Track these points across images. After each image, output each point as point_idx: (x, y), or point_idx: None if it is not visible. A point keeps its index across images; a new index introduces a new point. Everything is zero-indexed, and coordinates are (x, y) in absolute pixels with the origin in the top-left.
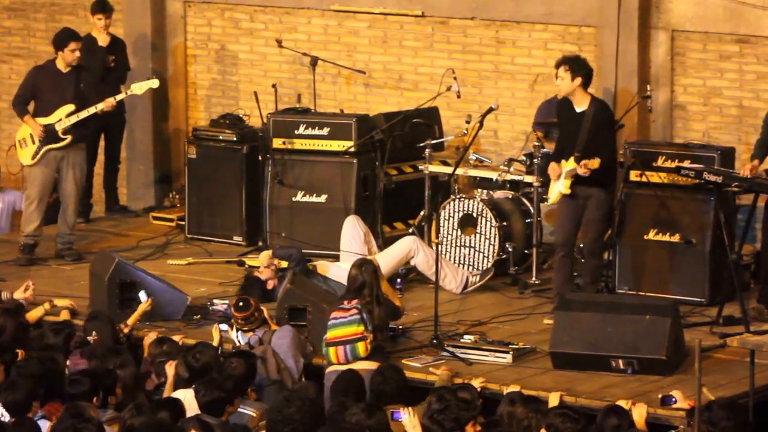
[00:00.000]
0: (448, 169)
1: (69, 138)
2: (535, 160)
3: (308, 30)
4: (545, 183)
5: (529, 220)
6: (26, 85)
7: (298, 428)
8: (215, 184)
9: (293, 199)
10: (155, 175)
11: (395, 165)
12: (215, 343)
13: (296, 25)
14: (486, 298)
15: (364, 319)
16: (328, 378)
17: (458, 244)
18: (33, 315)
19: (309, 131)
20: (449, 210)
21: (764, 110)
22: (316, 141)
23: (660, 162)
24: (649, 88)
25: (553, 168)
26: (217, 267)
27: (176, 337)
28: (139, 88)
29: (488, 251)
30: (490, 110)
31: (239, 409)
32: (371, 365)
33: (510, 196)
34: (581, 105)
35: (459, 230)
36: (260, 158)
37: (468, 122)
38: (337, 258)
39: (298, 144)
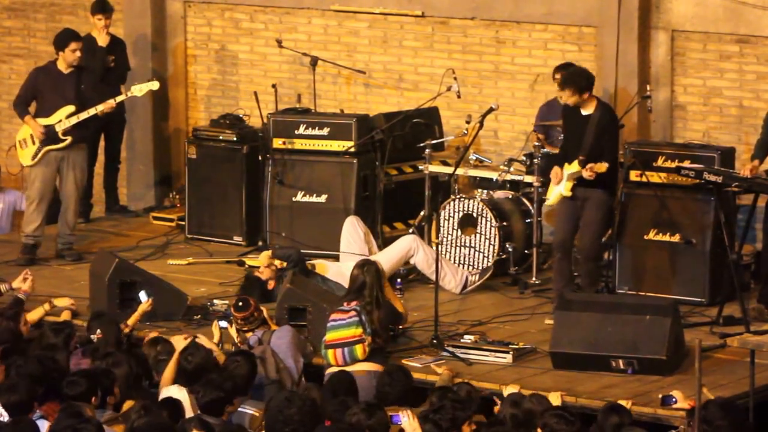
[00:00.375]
0: (449, 169)
1: (69, 139)
2: (535, 160)
3: (308, 30)
4: (545, 183)
5: (529, 220)
6: (27, 86)
7: (299, 429)
8: (215, 184)
9: (293, 199)
10: (155, 175)
11: (395, 165)
12: (215, 340)
13: (296, 25)
14: (486, 298)
15: (362, 321)
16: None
17: (458, 244)
18: (33, 315)
19: (309, 131)
20: (449, 210)
21: (764, 110)
22: (316, 141)
23: (660, 162)
24: (649, 88)
25: (555, 173)
26: (217, 267)
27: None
28: (139, 89)
29: (488, 251)
30: (491, 110)
31: (240, 409)
32: (370, 367)
33: (510, 196)
34: (587, 108)
35: (459, 230)
36: (260, 158)
37: (468, 122)
38: (336, 258)
39: (298, 144)
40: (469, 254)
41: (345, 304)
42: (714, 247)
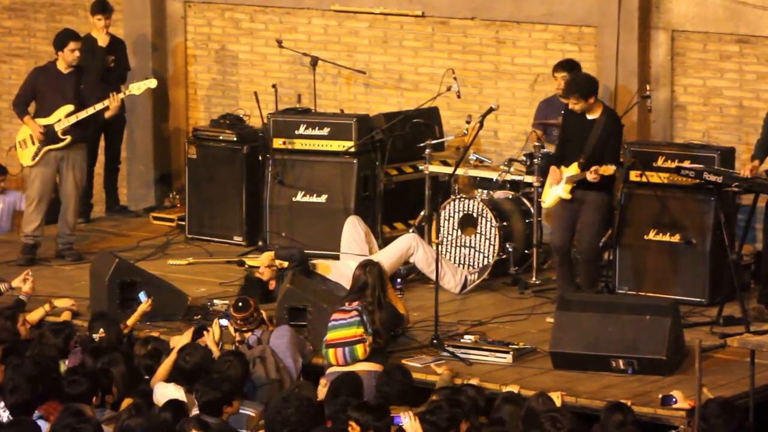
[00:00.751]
0: (449, 169)
1: (68, 138)
2: (535, 161)
3: (308, 30)
4: (545, 183)
5: (529, 220)
6: (27, 86)
7: (297, 428)
8: (215, 184)
9: (293, 199)
10: (155, 175)
11: (395, 165)
12: (216, 338)
13: (296, 25)
14: (486, 298)
15: (363, 321)
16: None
17: (458, 245)
18: (33, 316)
19: (309, 131)
20: (449, 210)
21: (764, 110)
22: (317, 141)
23: (660, 162)
24: (649, 88)
25: (554, 172)
26: (217, 267)
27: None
28: (137, 88)
29: (488, 251)
30: (491, 110)
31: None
32: (370, 367)
33: (510, 197)
34: (593, 113)
35: (459, 230)
36: (260, 158)
37: (468, 122)
38: (337, 258)
39: (299, 144)
40: (469, 254)
41: (347, 304)
42: (714, 247)
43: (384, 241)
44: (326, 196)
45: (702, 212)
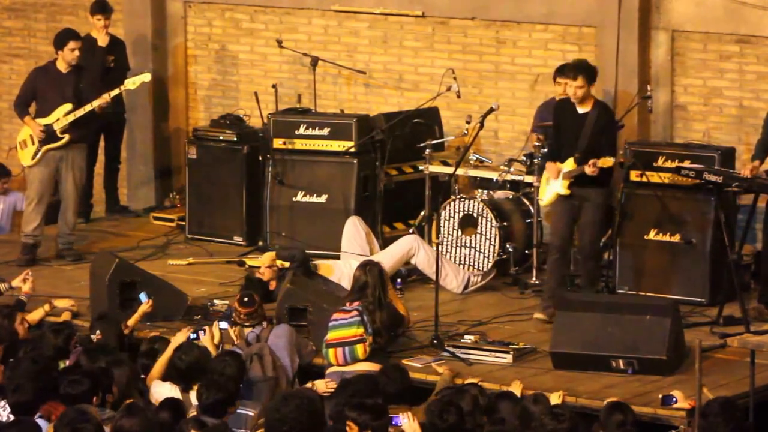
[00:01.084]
0: (449, 170)
1: (67, 137)
2: (536, 161)
3: (308, 30)
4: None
5: (529, 220)
6: (27, 87)
7: (296, 427)
8: (215, 184)
9: (293, 199)
10: (155, 175)
11: (395, 165)
12: (216, 341)
13: (296, 25)
14: (486, 298)
15: (364, 321)
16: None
17: (459, 245)
18: (33, 316)
19: (309, 131)
20: (450, 210)
21: (764, 110)
22: (317, 141)
23: (660, 162)
24: (649, 88)
25: (551, 167)
26: (217, 267)
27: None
28: (132, 83)
29: (489, 251)
30: (491, 110)
31: (237, 410)
32: (370, 367)
33: (510, 197)
34: (584, 107)
35: (459, 230)
36: (260, 158)
37: (468, 122)
38: (337, 258)
39: (299, 144)
40: (470, 254)
41: (347, 303)
42: (714, 247)
43: (384, 242)
44: (326, 196)
45: (702, 212)
